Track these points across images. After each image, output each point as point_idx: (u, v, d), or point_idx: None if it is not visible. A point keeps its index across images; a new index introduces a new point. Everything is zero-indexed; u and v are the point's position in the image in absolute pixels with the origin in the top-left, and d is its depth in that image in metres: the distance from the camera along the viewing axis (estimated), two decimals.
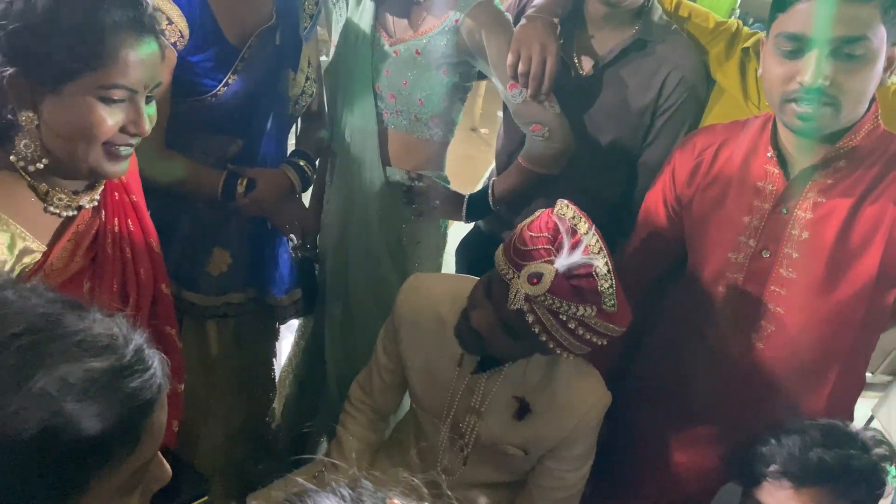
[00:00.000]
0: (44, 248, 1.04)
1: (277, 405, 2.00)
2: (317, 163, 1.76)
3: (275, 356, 1.92)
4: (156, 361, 0.69)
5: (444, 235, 1.88)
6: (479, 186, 1.81)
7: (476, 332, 1.26)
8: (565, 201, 1.24)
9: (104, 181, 1.11)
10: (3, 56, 0.95)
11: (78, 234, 1.07)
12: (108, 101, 0.99)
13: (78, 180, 1.08)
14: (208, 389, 1.74)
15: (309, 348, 1.98)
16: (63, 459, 0.61)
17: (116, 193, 1.15)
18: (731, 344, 1.38)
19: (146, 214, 1.22)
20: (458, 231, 2.03)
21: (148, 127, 1.04)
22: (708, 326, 1.41)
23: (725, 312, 1.38)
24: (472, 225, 1.98)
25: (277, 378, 1.99)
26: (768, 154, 1.31)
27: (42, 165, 1.01)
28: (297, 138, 1.78)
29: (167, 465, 0.75)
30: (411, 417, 1.60)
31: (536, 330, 1.19)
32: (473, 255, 1.96)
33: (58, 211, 1.05)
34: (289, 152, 1.72)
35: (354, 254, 1.78)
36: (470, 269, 1.81)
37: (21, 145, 0.99)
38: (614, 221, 1.63)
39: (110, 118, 0.99)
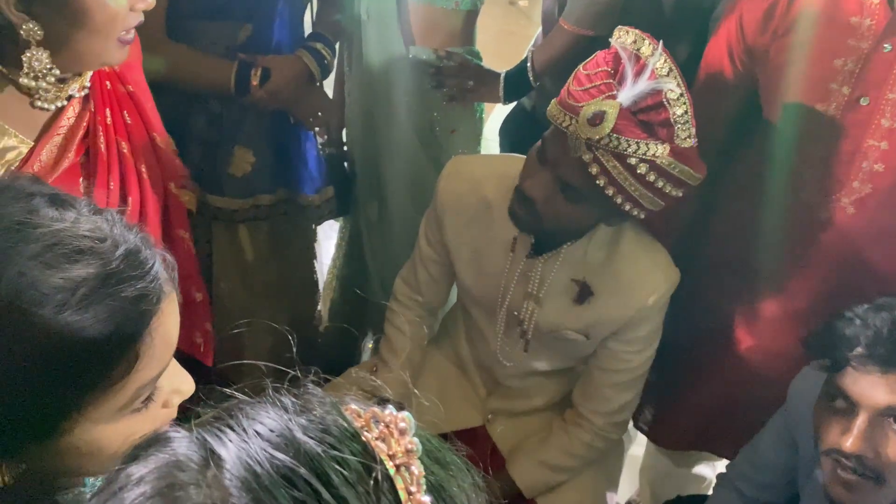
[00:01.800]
0: (29, 143, 0.97)
1: (323, 308, 1.96)
2: (336, 47, 1.61)
3: (315, 258, 1.86)
4: (155, 265, 0.60)
5: (481, 121, 1.73)
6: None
7: (531, 201, 1.15)
8: (624, 27, 1.08)
9: None
10: None
11: (68, 128, 1.00)
12: None
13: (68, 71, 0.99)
14: (249, 296, 1.69)
15: (350, 249, 1.91)
16: (45, 381, 0.55)
17: (108, 82, 1.06)
18: (816, 209, 1.23)
19: (147, 107, 1.13)
20: (496, 116, 1.86)
21: None
22: (789, 190, 1.26)
23: (811, 174, 1.23)
24: (510, 107, 1.81)
25: (322, 281, 1.93)
26: None
27: (54, 78, 0.93)
28: (314, 20, 1.63)
29: (188, 376, 0.68)
30: (460, 307, 1.54)
31: (602, 182, 1.07)
32: (519, 136, 1.81)
33: (46, 105, 0.97)
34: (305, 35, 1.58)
35: (384, 148, 1.66)
36: (515, 150, 1.66)
37: (32, 62, 0.90)
38: None
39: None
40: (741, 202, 1.37)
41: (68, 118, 1.00)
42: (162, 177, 1.13)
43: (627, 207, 1.11)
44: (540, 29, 1.74)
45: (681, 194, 1.10)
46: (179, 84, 1.41)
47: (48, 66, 0.92)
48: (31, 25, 0.87)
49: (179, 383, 0.67)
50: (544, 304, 1.32)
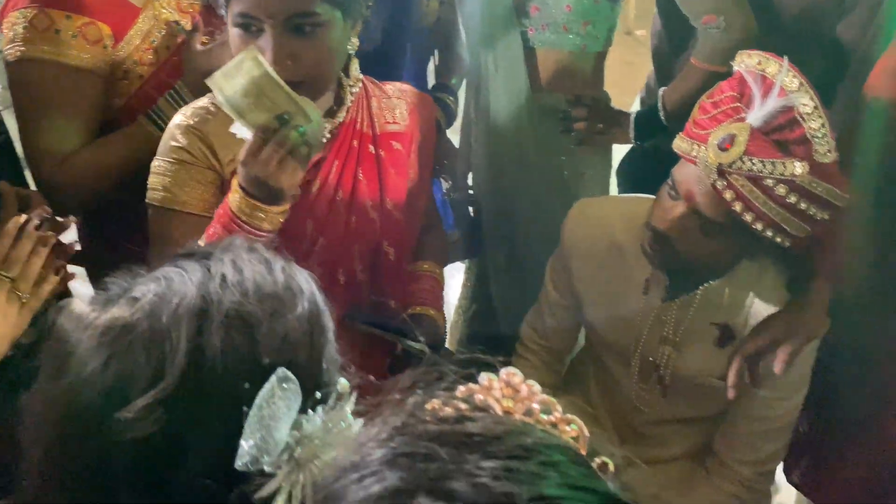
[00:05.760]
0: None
1: (450, 348, 1.98)
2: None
3: None
4: None
5: (610, 162, 1.71)
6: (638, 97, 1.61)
7: (666, 237, 1.12)
8: (745, 51, 1.06)
9: (345, 109, 1.10)
10: None
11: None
12: (245, 28, 0.97)
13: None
14: None
15: (475, 291, 1.93)
16: None
17: (355, 142, 1.12)
18: None
19: (392, 173, 1.17)
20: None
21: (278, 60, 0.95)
22: None
23: None
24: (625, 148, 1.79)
25: (449, 322, 1.95)
26: None
27: None
28: (436, 69, 1.69)
29: None
30: (588, 352, 1.51)
31: (738, 208, 1.04)
32: (639, 175, 1.77)
33: None
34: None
35: (512, 194, 1.67)
36: (635, 190, 1.63)
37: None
38: None
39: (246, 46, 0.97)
40: None
41: None
42: (381, 234, 1.18)
43: (770, 234, 1.06)
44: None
45: (827, 217, 1.04)
46: None
47: None
48: None
49: None
50: (683, 349, 1.28)
